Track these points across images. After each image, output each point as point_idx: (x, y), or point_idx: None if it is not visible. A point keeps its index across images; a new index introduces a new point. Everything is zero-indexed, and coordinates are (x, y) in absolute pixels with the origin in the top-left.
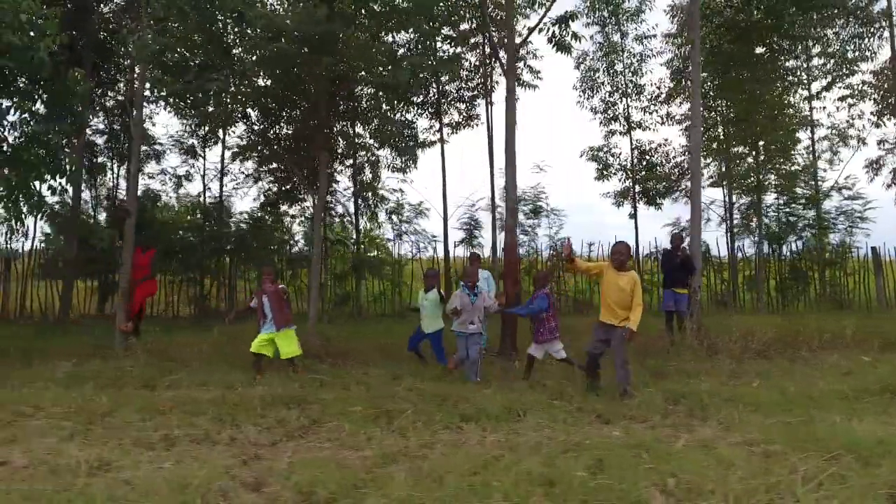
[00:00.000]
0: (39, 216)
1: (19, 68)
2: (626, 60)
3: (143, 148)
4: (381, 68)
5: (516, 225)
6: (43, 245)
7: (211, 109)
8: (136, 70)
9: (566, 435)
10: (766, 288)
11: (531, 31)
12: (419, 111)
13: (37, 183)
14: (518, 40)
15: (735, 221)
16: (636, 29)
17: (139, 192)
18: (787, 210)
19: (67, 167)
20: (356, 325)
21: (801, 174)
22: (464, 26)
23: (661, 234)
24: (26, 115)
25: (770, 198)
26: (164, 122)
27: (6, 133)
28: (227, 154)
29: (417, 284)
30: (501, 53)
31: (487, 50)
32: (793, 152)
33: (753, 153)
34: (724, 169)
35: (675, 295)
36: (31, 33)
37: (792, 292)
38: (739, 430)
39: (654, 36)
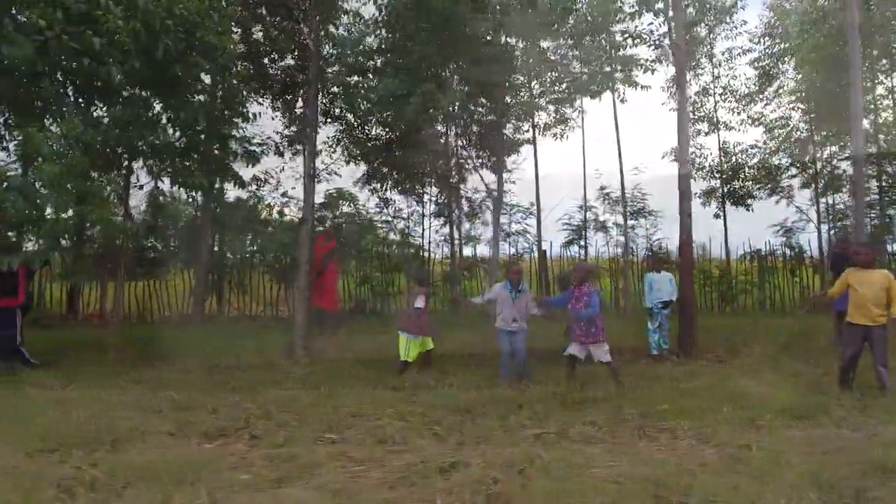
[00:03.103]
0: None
1: (210, 67)
2: (715, 55)
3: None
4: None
5: (691, 224)
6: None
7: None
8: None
9: None
10: None
11: (707, 35)
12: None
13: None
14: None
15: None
16: (728, 27)
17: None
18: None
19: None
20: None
21: None
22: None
23: (756, 234)
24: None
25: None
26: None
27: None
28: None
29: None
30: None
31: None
32: None
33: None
34: (819, 170)
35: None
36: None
37: None
38: None
39: (743, 28)
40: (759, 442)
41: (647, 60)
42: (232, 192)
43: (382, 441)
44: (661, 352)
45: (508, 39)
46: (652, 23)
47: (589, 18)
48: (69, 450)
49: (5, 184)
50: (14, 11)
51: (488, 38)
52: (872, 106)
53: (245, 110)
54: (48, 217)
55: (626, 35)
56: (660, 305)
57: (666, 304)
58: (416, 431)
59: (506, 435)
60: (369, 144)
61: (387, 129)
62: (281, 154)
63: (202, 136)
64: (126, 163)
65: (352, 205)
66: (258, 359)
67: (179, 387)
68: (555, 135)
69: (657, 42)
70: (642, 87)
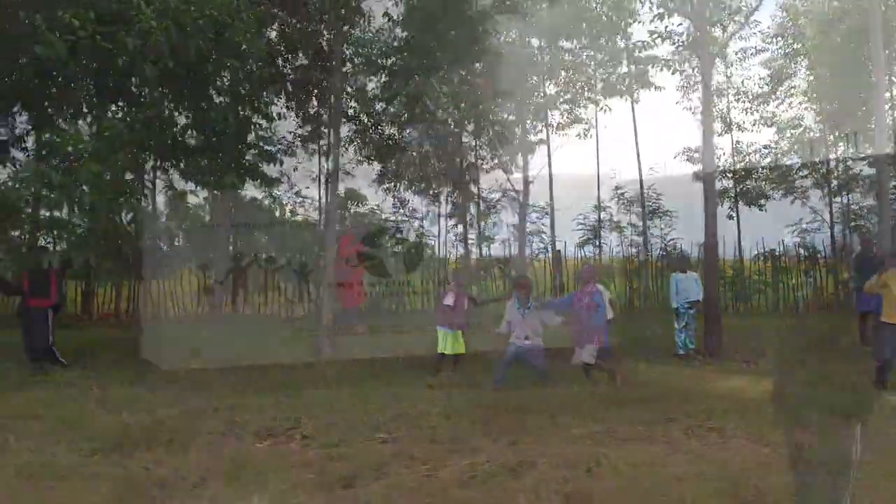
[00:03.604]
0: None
1: (239, 66)
2: (727, 55)
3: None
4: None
5: (716, 225)
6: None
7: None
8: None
9: None
10: None
11: (731, 35)
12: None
13: None
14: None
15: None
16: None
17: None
18: None
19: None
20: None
21: None
22: None
23: (769, 234)
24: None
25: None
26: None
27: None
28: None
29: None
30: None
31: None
32: None
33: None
34: (829, 170)
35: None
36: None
37: None
38: None
39: (757, 28)
40: (810, 441)
41: (672, 60)
42: (247, 192)
43: (435, 440)
44: (688, 352)
45: (528, 40)
46: (681, 24)
47: (605, 19)
48: (127, 450)
49: (47, 181)
50: (44, 11)
51: (510, 38)
52: (888, 106)
53: (269, 111)
54: (84, 217)
55: (656, 35)
56: (686, 305)
57: (692, 303)
58: (466, 431)
59: (558, 434)
60: (383, 144)
61: (400, 129)
62: (294, 154)
63: (228, 137)
64: (152, 163)
65: (361, 204)
66: (286, 358)
67: (215, 386)
68: (578, 135)
69: (683, 42)
70: (656, 87)
